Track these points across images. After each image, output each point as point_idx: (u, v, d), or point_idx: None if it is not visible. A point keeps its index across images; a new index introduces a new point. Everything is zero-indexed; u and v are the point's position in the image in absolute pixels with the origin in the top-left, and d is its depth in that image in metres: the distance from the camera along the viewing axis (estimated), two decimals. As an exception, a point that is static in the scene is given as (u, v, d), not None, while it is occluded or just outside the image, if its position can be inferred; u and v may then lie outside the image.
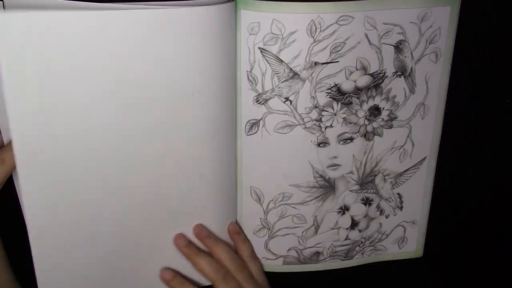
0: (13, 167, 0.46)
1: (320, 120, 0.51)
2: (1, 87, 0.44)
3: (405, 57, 0.51)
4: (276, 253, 0.58)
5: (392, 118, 0.53)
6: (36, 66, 0.42)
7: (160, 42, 0.45)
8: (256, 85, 0.50)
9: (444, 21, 0.50)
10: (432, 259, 0.62)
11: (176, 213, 0.52)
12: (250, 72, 0.49)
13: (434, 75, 0.52)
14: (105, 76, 0.45)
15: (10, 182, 0.49)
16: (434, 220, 0.59)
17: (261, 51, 0.48)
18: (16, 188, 0.49)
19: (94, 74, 0.44)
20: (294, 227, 0.57)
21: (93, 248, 0.51)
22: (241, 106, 0.51)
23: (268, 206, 0.55)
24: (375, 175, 0.56)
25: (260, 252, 0.58)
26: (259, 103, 0.50)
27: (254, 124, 0.51)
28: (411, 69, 0.51)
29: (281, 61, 0.48)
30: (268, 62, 0.49)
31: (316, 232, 0.57)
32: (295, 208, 0.55)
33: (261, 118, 0.51)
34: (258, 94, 0.50)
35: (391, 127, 0.54)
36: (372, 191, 0.56)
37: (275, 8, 0.46)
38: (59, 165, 0.47)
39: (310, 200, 0.55)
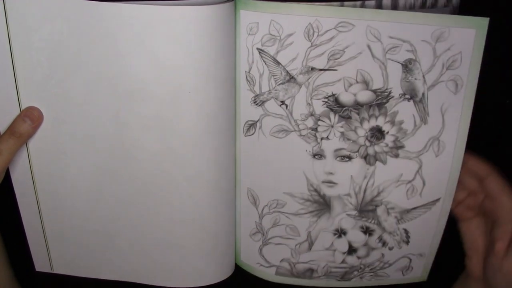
0: (11, 158, 0.47)
1: (316, 130, 0.50)
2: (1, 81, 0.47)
3: (416, 79, 0.46)
4: (269, 261, 0.57)
5: (398, 146, 0.48)
6: (41, 51, 0.46)
7: (159, 40, 0.45)
8: (254, 86, 0.50)
9: (467, 45, 0.44)
10: (436, 281, 0.55)
11: (173, 211, 0.53)
12: (249, 72, 0.50)
13: (453, 107, 0.46)
14: (103, 68, 0.46)
15: (8, 182, 0.51)
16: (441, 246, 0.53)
17: (259, 52, 0.48)
18: (14, 185, 0.51)
19: (92, 65, 0.46)
20: (287, 238, 0.55)
21: (87, 241, 0.54)
22: (240, 107, 0.51)
23: (263, 210, 0.55)
24: (377, 206, 0.51)
25: (255, 257, 0.57)
26: (256, 104, 0.51)
27: (251, 125, 0.52)
28: (423, 94, 0.46)
29: (278, 63, 0.48)
30: (265, 63, 0.49)
31: (309, 248, 0.55)
32: (288, 218, 0.54)
33: (258, 120, 0.51)
34: (256, 95, 0.50)
35: (397, 156, 0.49)
36: (373, 221, 0.52)
37: (274, 8, 0.46)
38: (58, 157, 0.50)
39: (304, 213, 0.53)
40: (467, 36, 0.44)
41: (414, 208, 0.51)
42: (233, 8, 0.47)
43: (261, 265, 0.57)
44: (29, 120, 0.48)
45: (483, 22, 0.43)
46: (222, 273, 0.57)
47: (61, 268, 0.57)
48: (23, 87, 0.48)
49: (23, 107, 0.48)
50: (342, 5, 0.47)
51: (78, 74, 0.47)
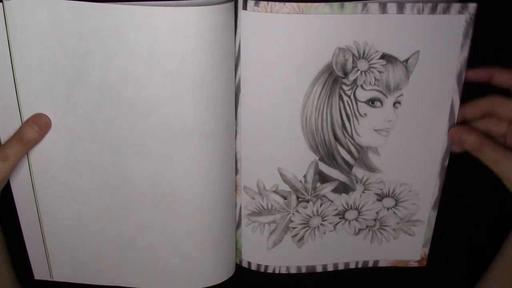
0: (16, 163, 0.47)
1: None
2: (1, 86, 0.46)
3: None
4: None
5: None
6: (42, 56, 0.46)
7: (159, 41, 0.45)
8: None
9: None
10: (436, 268, 0.57)
11: (175, 214, 0.53)
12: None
13: None
14: (105, 71, 0.46)
15: (7, 183, 0.50)
16: (439, 230, 0.55)
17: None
18: (12, 186, 0.51)
19: (94, 68, 0.46)
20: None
21: (87, 247, 0.55)
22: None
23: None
24: None
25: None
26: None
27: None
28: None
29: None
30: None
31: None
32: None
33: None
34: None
35: None
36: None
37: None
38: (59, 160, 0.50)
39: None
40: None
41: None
42: (233, 8, 0.47)
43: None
44: (36, 126, 0.48)
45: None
46: (224, 273, 0.58)
47: (60, 275, 0.57)
48: (23, 93, 0.48)
49: (24, 113, 0.48)
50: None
51: (78, 79, 0.47)
